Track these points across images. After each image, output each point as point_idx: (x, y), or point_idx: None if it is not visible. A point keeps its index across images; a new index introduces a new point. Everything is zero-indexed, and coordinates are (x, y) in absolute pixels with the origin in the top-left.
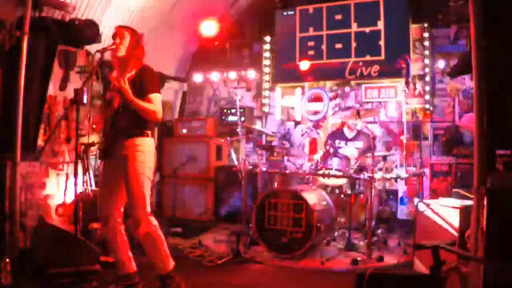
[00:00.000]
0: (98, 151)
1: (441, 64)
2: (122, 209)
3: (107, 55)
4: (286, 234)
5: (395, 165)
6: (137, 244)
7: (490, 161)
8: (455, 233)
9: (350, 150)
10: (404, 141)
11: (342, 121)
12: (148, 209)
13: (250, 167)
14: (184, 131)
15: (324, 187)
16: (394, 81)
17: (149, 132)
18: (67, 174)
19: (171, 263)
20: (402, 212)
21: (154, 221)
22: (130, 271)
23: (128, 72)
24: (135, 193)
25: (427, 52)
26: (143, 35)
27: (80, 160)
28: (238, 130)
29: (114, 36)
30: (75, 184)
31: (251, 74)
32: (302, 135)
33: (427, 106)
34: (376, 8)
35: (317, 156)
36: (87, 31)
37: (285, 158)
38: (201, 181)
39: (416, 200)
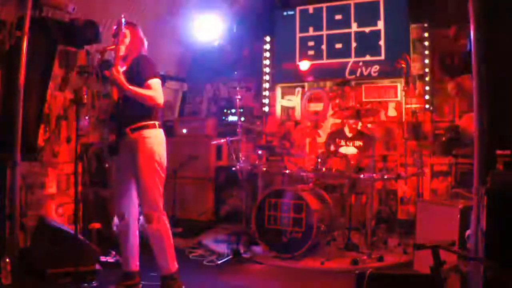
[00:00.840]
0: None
1: (440, 64)
2: (137, 206)
3: (108, 54)
4: (286, 234)
5: (395, 165)
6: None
7: (490, 161)
8: (455, 233)
9: (350, 149)
10: (404, 141)
11: (342, 121)
12: (161, 206)
13: (250, 167)
14: (184, 131)
15: (324, 186)
16: (394, 81)
17: (156, 123)
18: (67, 174)
19: (175, 265)
20: (402, 212)
21: (166, 219)
22: (132, 269)
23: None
24: (146, 189)
25: (427, 52)
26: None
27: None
28: (238, 130)
29: (114, 35)
30: (75, 184)
31: (251, 73)
32: (302, 135)
33: (427, 106)
34: (376, 8)
35: (317, 156)
36: (87, 31)
37: (285, 158)
38: (201, 181)
39: (416, 200)
